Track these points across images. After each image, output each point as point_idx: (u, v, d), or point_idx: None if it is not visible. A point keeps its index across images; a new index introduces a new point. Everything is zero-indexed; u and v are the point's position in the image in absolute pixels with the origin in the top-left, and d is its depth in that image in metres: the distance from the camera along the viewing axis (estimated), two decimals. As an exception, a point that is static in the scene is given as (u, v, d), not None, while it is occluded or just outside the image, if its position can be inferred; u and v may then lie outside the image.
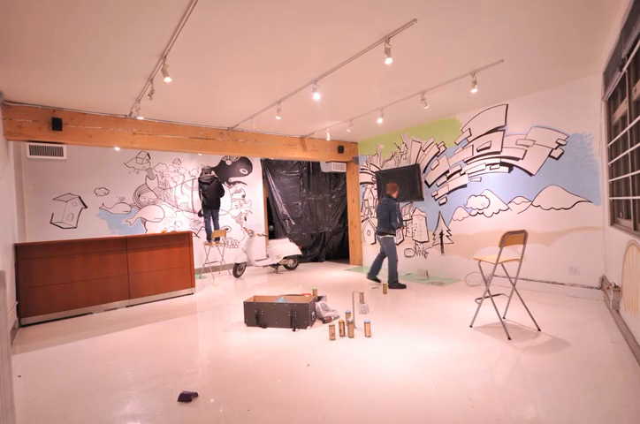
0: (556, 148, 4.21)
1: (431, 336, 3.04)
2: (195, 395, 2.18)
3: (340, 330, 3.12)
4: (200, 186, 6.54)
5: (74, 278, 4.18)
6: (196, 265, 6.43)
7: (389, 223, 4.96)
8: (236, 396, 2.18)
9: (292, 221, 7.69)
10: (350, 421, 1.86)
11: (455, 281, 5.22)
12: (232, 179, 7.39)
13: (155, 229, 6.38)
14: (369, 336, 3.04)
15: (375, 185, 6.72)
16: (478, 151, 5.02)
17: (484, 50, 3.13)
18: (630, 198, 2.63)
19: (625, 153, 2.64)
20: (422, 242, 5.91)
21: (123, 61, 3.05)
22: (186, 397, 2.13)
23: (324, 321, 3.50)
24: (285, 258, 6.59)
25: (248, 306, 3.50)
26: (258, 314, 3.44)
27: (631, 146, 2.49)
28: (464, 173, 5.23)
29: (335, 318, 3.58)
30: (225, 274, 6.71)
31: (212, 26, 2.52)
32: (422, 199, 5.81)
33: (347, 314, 3.36)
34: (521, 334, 3.00)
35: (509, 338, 2.90)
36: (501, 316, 3.15)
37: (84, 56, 2.92)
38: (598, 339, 2.81)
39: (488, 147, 4.90)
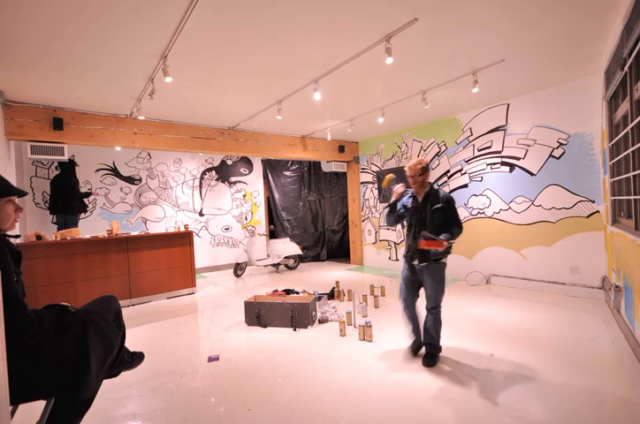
0: (557, 148, 4.20)
1: (432, 335, 3.04)
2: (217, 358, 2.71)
3: (341, 330, 3.12)
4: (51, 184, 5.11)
5: (75, 278, 4.18)
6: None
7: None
8: (237, 395, 2.18)
9: (292, 220, 7.69)
10: (350, 421, 1.87)
11: (456, 281, 5.21)
12: (232, 179, 7.40)
13: (155, 229, 6.39)
14: (370, 336, 3.04)
15: (375, 185, 6.71)
16: (479, 151, 5.02)
17: (485, 50, 3.12)
18: (632, 197, 2.62)
19: (626, 152, 2.64)
20: (423, 242, 5.89)
21: (124, 61, 3.05)
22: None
23: (319, 321, 3.50)
24: (285, 257, 6.60)
25: (249, 306, 3.50)
26: (259, 314, 3.44)
27: (632, 145, 2.48)
28: (465, 173, 5.22)
29: (337, 318, 3.57)
30: (226, 273, 6.71)
31: (212, 26, 2.52)
32: (422, 198, 5.80)
33: (348, 313, 3.36)
34: (521, 334, 2.99)
35: (509, 338, 2.90)
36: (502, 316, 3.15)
37: (85, 56, 2.93)
38: (598, 339, 2.81)
39: (489, 147, 4.89)
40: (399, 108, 4.78)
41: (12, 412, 1.84)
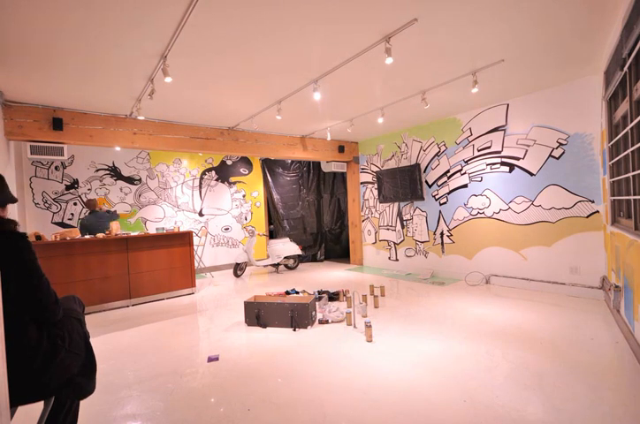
0: (557, 148, 4.20)
1: (432, 336, 3.04)
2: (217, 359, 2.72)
3: (340, 330, 3.12)
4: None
5: (75, 278, 4.19)
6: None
7: None
8: (237, 395, 2.18)
9: (291, 220, 7.70)
10: (351, 421, 1.87)
11: (456, 281, 5.21)
12: (232, 179, 7.40)
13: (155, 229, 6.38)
14: (370, 336, 3.04)
15: (375, 185, 6.72)
16: (479, 151, 5.02)
17: (485, 50, 3.12)
18: (631, 197, 2.63)
19: (626, 152, 2.64)
20: (423, 242, 5.91)
21: (123, 61, 3.05)
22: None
23: (320, 321, 3.50)
24: (285, 258, 6.60)
25: (249, 306, 3.50)
26: (258, 314, 3.44)
27: (632, 145, 2.48)
28: (465, 173, 5.22)
29: (339, 320, 3.57)
30: (226, 274, 6.71)
31: (212, 26, 2.52)
32: (422, 199, 5.81)
33: (348, 313, 3.36)
34: (521, 334, 3.00)
35: (509, 338, 2.90)
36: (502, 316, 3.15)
37: (85, 56, 2.93)
38: (598, 339, 2.81)
39: (489, 147, 4.89)
40: (398, 108, 4.79)
41: (12, 413, 1.83)
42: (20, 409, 2.12)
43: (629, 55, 2.35)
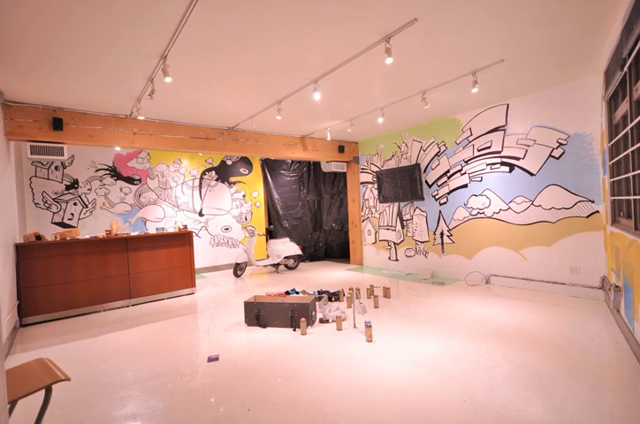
0: (557, 148, 4.20)
1: (432, 335, 3.04)
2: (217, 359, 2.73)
3: (341, 330, 3.12)
4: None
5: (75, 278, 4.19)
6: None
7: None
8: (237, 395, 2.18)
9: (291, 220, 7.70)
10: (351, 421, 1.87)
11: (456, 281, 5.21)
12: (232, 179, 7.40)
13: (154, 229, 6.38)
14: (370, 336, 3.04)
15: (375, 185, 6.72)
16: (479, 151, 5.02)
17: (485, 50, 3.12)
18: (631, 197, 2.62)
19: (626, 152, 2.64)
20: (423, 242, 5.91)
21: (123, 61, 3.05)
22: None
23: (320, 321, 3.51)
24: (285, 258, 6.60)
25: (249, 306, 3.50)
26: (258, 314, 3.44)
27: (632, 145, 2.48)
28: (465, 173, 5.22)
29: (341, 318, 3.58)
30: (226, 274, 6.71)
31: (212, 26, 2.52)
32: (422, 199, 5.81)
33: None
34: (521, 334, 3.00)
35: (508, 338, 2.90)
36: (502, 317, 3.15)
37: (85, 56, 2.93)
38: (598, 339, 2.81)
39: (489, 147, 4.89)
40: (398, 108, 4.79)
41: (10, 410, 1.83)
42: (22, 403, 2.12)
43: (629, 55, 2.35)
